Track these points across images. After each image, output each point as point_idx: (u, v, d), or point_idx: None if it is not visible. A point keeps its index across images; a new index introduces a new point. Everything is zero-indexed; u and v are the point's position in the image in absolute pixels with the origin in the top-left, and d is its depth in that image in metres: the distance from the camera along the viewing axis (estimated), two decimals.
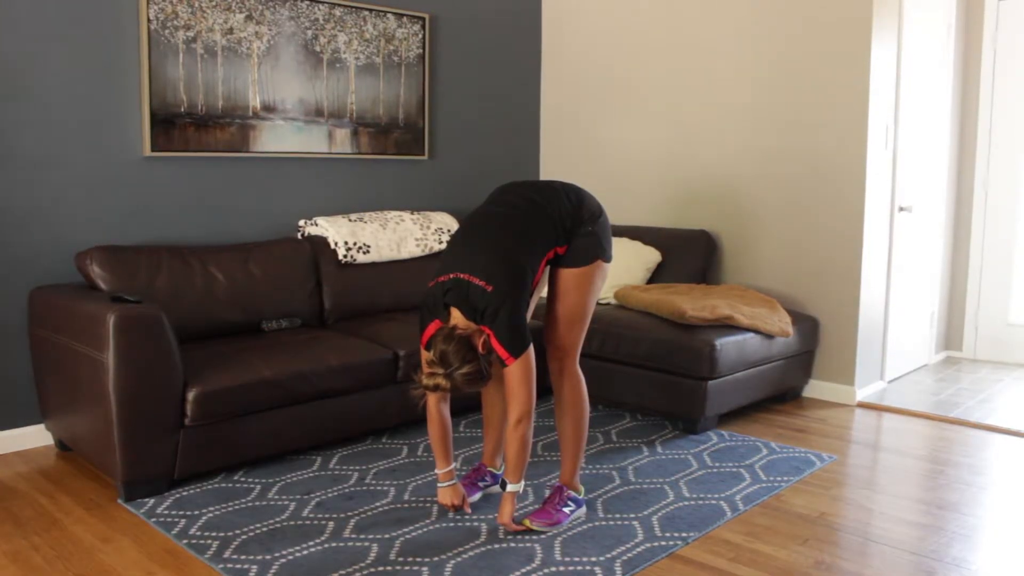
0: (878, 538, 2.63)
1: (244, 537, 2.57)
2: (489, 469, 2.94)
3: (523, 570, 2.37)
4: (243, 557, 2.43)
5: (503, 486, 2.62)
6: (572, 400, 2.71)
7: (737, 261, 4.48)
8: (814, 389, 4.26)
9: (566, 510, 2.70)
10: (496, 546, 2.52)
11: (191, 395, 2.88)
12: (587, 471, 3.14)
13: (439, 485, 2.76)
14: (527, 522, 2.64)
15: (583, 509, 2.76)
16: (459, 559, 2.43)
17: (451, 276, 2.49)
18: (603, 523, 2.69)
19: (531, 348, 2.49)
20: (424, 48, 4.54)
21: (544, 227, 2.57)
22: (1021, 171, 4.96)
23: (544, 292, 2.81)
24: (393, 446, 3.42)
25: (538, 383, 3.98)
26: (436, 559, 2.43)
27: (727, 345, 3.56)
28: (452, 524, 2.68)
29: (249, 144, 3.91)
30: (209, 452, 2.97)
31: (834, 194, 4.10)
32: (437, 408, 2.69)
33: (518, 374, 2.49)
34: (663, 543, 2.55)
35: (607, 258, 2.68)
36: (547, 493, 2.91)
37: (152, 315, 2.82)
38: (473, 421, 3.75)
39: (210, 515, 2.73)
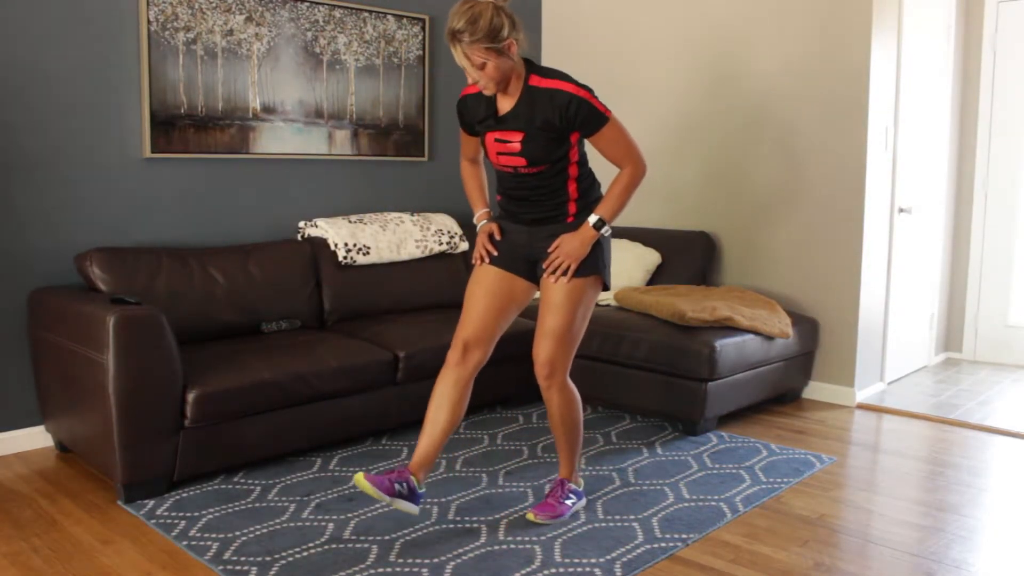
0: (878, 540, 2.63)
1: (244, 539, 2.57)
2: (411, 477, 2.51)
3: (523, 571, 2.37)
4: (243, 559, 2.43)
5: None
6: (563, 413, 2.69)
7: (737, 262, 4.48)
8: (814, 391, 4.26)
9: (568, 503, 2.73)
10: (496, 547, 2.52)
11: (191, 396, 2.88)
12: (587, 472, 3.14)
13: (478, 227, 2.79)
14: (530, 515, 2.68)
15: (583, 501, 2.81)
16: (459, 560, 2.43)
17: None
18: (603, 524, 2.69)
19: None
20: (424, 50, 4.54)
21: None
22: (1021, 173, 4.96)
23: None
24: (393, 448, 3.42)
25: (532, 386, 3.97)
26: (436, 560, 2.43)
27: (727, 347, 3.56)
28: (452, 526, 2.68)
29: (249, 146, 3.91)
30: (209, 454, 2.97)
31: (834, 195, 4.10)
32: (470, 167, 2.84)
33: (618, 134, 2.64)
34: (663, 544, 2.55)
35: (605, 278, 2.65)
36: (547, 489, 2.93)
37: (152, 316, 2.82)
38: (473, 423, 3.75)
39: (210, 517, 2.73)
